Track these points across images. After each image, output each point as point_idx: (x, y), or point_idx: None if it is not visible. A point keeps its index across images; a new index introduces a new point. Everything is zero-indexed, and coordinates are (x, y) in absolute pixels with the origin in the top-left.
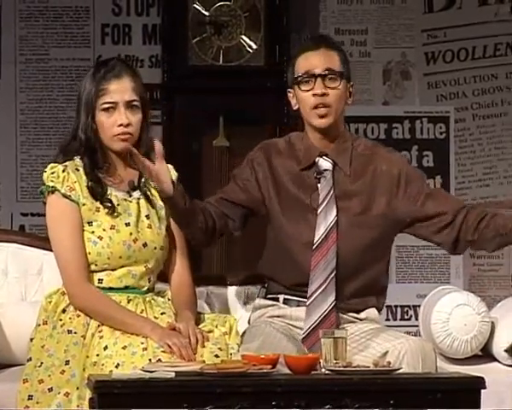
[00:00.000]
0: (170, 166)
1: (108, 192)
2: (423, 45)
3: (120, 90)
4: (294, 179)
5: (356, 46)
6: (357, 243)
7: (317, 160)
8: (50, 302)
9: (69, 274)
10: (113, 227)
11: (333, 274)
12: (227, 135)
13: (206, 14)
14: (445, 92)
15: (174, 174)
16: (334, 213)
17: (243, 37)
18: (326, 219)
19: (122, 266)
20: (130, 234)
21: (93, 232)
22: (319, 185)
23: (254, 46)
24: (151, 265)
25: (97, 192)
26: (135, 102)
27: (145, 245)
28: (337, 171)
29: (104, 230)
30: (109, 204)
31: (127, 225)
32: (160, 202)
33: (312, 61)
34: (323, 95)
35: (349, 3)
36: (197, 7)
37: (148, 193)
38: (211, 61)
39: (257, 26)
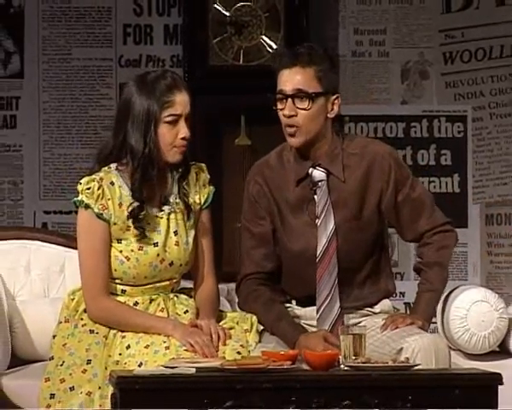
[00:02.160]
0: (203, 165)
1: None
2: (441, 45)
3: (184, 102)
4: (290, 193)
5: (375, 46)
6: (357, 244)
7: (310, 171)
8: (73, 300)
9: (89, 288)
10: (141, 248)
11: (336, 282)
12: (248, 134)
13: (227, 14)
14: (463, 92)
15: (207, 176)
16: (333, 221)
17: (263, 37)
18: (326, 230)
19: (147, 284)
20: (158, 255)
21: (121, 251)
22: (316, 197)
23: (274, 46)
24: (176, 280)
25: (137, 216)
26: (190, 115)
27: (171, 264)
28: (331, 179)
29: (132, 250)
30: (142, 230)
31: (155, 245)
32: (189, 213)
33: (285, 80)
34: (291, 116)
35: (368, 4)
36: (218, 7)
37: (181, 207)
38: (231, 61)
39: (277, 26)
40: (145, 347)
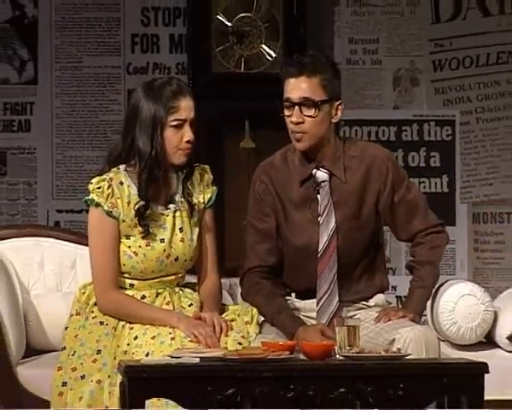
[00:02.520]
0: (206, 167)
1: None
2: (431, 53)
3: (188, 107)
4: (294, 192)
5: (368, 54)
6: (355, 242)
7: (314, 172)
8: (84, 293)
9: (99, 282)
10: (148, 244)
11: (335, 278)
12: (252, 137)
13: (229, 24)
14: (451, 97)
15: (210, 177)
16: (334, 220)
17: (263, 46)
18: (327, 228)
19: (153, 278)
20: (164, 250)
21: (129, 247)
22: (319, 196)
23: (273, 54)
24: (181, 274)
25: (142, 215)
26: (194, 119)
27: (177, 259)
28: (333, 180)
29: (140, 246)
30: (146, 227)
31: (161, 241)
32: (192, 212)
33: (292, 88)
34: (298, 123)
35: (362, 15)
36: (220, 18)
37: (186, 206)
38: (233, 69)
39: (276, 35)
40: (152, 338)
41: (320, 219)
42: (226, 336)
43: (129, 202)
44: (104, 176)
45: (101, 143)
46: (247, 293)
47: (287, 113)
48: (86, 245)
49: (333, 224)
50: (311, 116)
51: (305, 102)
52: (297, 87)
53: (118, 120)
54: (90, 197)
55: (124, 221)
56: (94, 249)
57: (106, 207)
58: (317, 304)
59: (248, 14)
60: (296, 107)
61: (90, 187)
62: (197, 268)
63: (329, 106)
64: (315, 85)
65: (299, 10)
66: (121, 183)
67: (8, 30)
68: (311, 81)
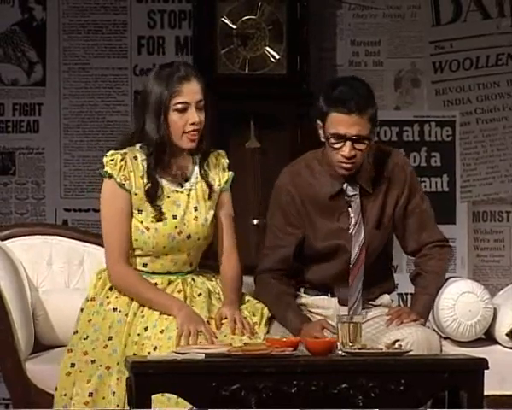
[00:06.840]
0: (222, 152)
1: (161, 184)
2: (431, 55)
3: (192, 91)
4: (322, 203)
5: (370, 56)
6: (376, 250)
7: (344, 186)
8: (100, 279)
9: (111, 254)
10: (160, 219)
11: (361, 286)
12: (255, 137)
13: (233, 27)
14: (452, 98)
15: (226, 161)
16: (363, 232)
17: (267, 48)
18: (358, 239)
19: (166, 254)
20: (176, 227)
21: (142, 222)
22: (350, 209)
23: (277, 56)
24: (193, 253)
25: (152, 196)
26: (202, 102)
27: (189, 237)
28: (362, 192)
29: (152, 221)
30: (158, 208)
31: (174, 217)
32: (210, 193)
33: (343, 126)
34: (351, 157)
35: (364, 17)
36: (225, 20)
37: (202, 187)
38: (237, 70)
39: (279, 37)
40: (160, 331)
41: (351, 231)
42: (242, 334)
43: (142, 176)
44: (119, 151)
45: (108, 143)
46: (258, 293)
47: (336, 145)
48: (93, 243)
49: (362, 236)
50: (361, 150)
51: (358, 139)
52: (348, 124)
53: (124, 121)
54: (104, 170)
55: (136, 194)
56: (106, 219)
57: (118, 179)
58: (349, 311)
59: (252, 17)
60: (348, 142)
61: (105, 160)
62: (218, 251)
63: (374, 132)
64: (366, 122)
65: (303, 13)
66: (135, 157)
67: (17, 32)
68: (362, 119)
